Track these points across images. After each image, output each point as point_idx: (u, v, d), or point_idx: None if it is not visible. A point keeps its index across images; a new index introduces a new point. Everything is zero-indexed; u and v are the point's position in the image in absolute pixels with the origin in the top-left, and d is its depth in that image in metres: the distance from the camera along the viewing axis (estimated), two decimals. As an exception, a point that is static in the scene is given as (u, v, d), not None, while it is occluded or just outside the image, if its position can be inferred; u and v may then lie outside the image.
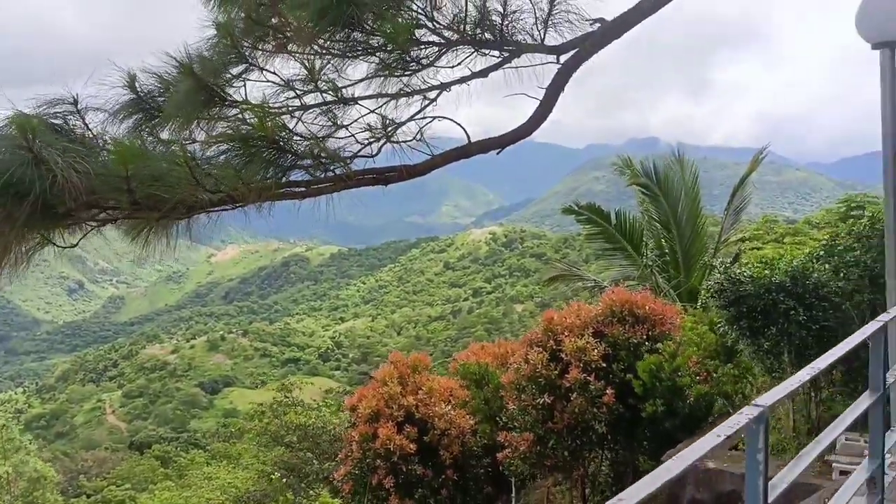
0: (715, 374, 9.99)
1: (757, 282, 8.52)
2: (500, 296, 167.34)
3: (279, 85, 4.36)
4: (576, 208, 19.60)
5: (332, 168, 3.83)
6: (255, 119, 3.56)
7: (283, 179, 3.77)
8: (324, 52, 4.22)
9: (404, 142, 3.91)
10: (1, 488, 34.24)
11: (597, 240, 19.55)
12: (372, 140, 3.98)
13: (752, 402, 2.50)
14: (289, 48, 4.63)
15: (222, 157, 3.74)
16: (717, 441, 2.11)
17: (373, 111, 4.08)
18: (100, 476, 56.38)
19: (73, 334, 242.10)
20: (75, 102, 3.93)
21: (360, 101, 4.09)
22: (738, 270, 8.82)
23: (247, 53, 4.35)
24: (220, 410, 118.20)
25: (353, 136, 3.97)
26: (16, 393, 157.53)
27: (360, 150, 3.92)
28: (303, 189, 3.89)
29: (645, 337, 10.07)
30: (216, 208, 3.71)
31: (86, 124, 3.91)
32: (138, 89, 4.32)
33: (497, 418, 11.26)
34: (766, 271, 8.60)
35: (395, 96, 4.08)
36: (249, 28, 4.68)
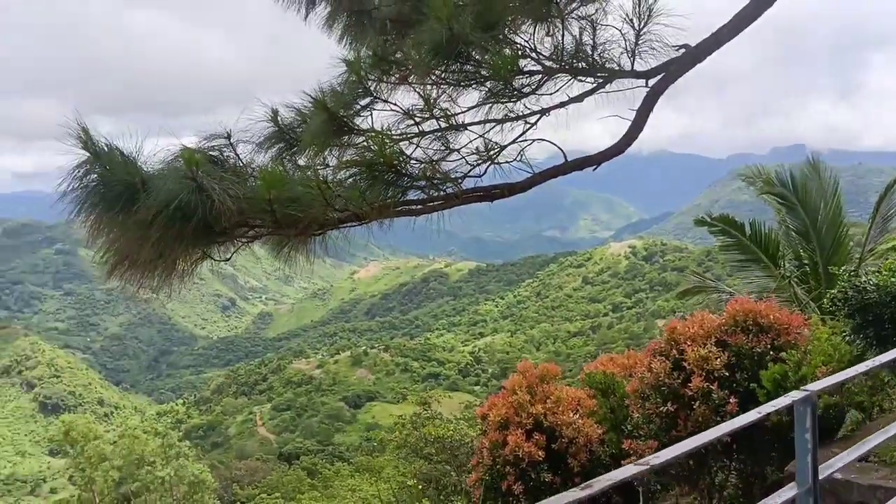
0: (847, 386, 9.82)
1: (883, 289, 8.42)
2: (640, 311, 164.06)
3: (400, 114, 4.94)
4: (708, 220, 19.36)
5: (444, 188, 4.36)
6: (377, 147, 4.14)
7: (401, 199, 4.33)
8: (439, 82, 4.77)
9: (507, 162, 4.39)
10: (165, 491, 36.85)
11: (731, 251, 19.23)
12: (479, 162, 4.47)
13: (802, 387, 2.77)
14: (409, 80, 5.22)
15: (350, 179, 4.35)
16: (758, 417, 2.42)
17: (480, 136, 4.59)
18: (252, 485, 59.18)
19: (227, 349, 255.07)
20: (229, 136, 4.64)
21: (469, 127, 4.61)
22: (864, 279, 8.73)
23: (372, 87, 4.96)
24: (363, 424, 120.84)
25: (463, 158, 4.48)
26: (177, 404, 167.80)
27: (468, 171, 4.43)
28: (418, 207, 4.44)
29: (769, 346, 10.02)
30: (344, 225, 4.32)
31: (237, 155, 4.61)
32: (280, 122, 5.01)
33: (623, 427, 11.44)
34: (893, 279, 8.49)
35: (501, 122, 4.56)
36: (375, 63, 5.31)
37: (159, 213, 3.73)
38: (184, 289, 4.48)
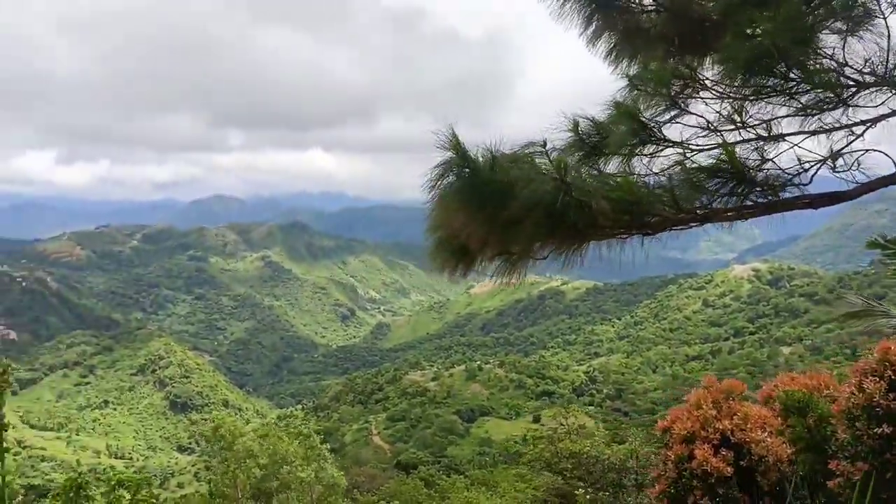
0: None
1: None
2: (764, 337, 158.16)
3: (697, 127, 5.19)
4: (882, 241, 18.68)
5: (781, 193, 4.56)
6: (726, 154, 4.39)
7: (743, 203, 4.56)
8: (745, 97, 4.98)
9: (835, 172, 4.53)
10: (303, 492, 38.02)
11: (906, 276, 18.53)
12: (801, 171, 4.65)
13: None
14: (700, 94, 5.47)
15: (671, 183, 4.62)
16: None
17: (796, 145, 4.76)
18: (370, 491, 59.98)
19: (345, 358, 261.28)
20: (544, 144, 4.98)
21: (785, 138, 4.79)
22: None
23: (678, 101, 5.24)
24: (476, 439, 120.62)
25: (779, 168, 4.67)
26: (296, 409, 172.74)
27: (790, 179, 4.61)
28: (735, 212, 4.65)
29: None
30: (675, 227, 4.59)
31: (550, 161, 4.94)
32: (580, 132, 5.34)
33: (825, 447, 11.24)
34: None
35: (816, 133, 4.73)
36: (667, 77, 5.60)
37: (530, 212, 4.10)
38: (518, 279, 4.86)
